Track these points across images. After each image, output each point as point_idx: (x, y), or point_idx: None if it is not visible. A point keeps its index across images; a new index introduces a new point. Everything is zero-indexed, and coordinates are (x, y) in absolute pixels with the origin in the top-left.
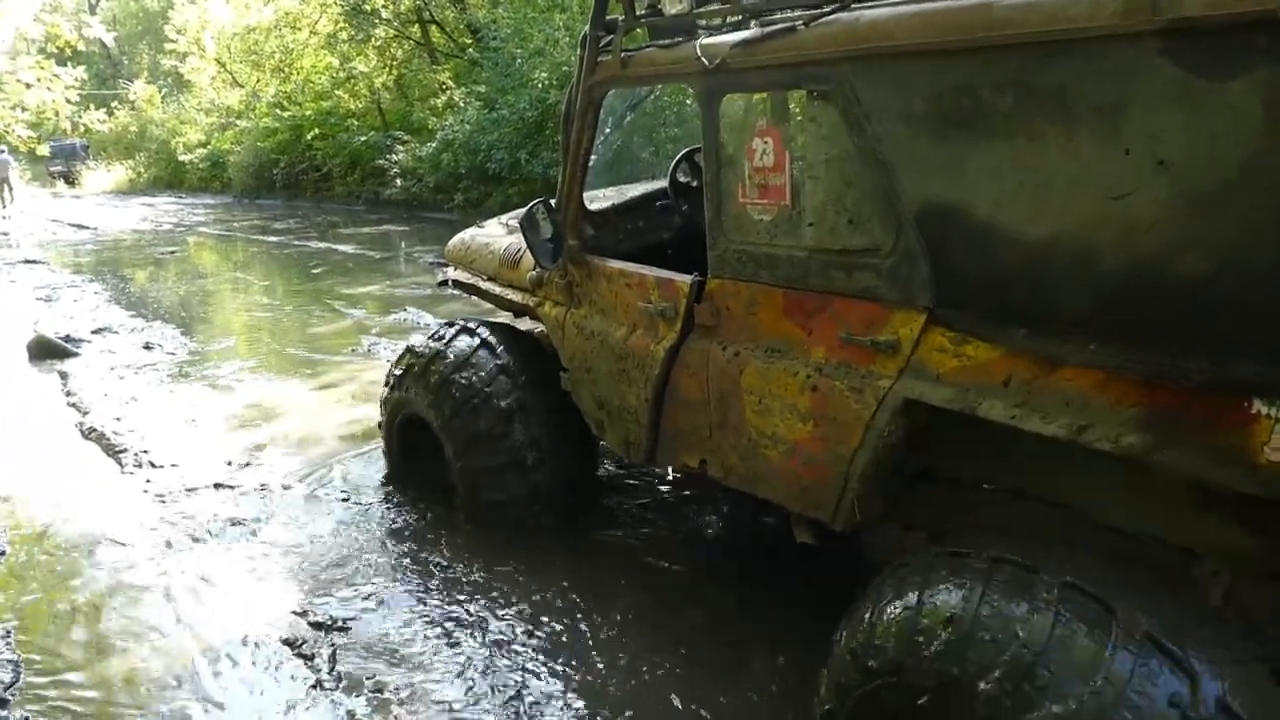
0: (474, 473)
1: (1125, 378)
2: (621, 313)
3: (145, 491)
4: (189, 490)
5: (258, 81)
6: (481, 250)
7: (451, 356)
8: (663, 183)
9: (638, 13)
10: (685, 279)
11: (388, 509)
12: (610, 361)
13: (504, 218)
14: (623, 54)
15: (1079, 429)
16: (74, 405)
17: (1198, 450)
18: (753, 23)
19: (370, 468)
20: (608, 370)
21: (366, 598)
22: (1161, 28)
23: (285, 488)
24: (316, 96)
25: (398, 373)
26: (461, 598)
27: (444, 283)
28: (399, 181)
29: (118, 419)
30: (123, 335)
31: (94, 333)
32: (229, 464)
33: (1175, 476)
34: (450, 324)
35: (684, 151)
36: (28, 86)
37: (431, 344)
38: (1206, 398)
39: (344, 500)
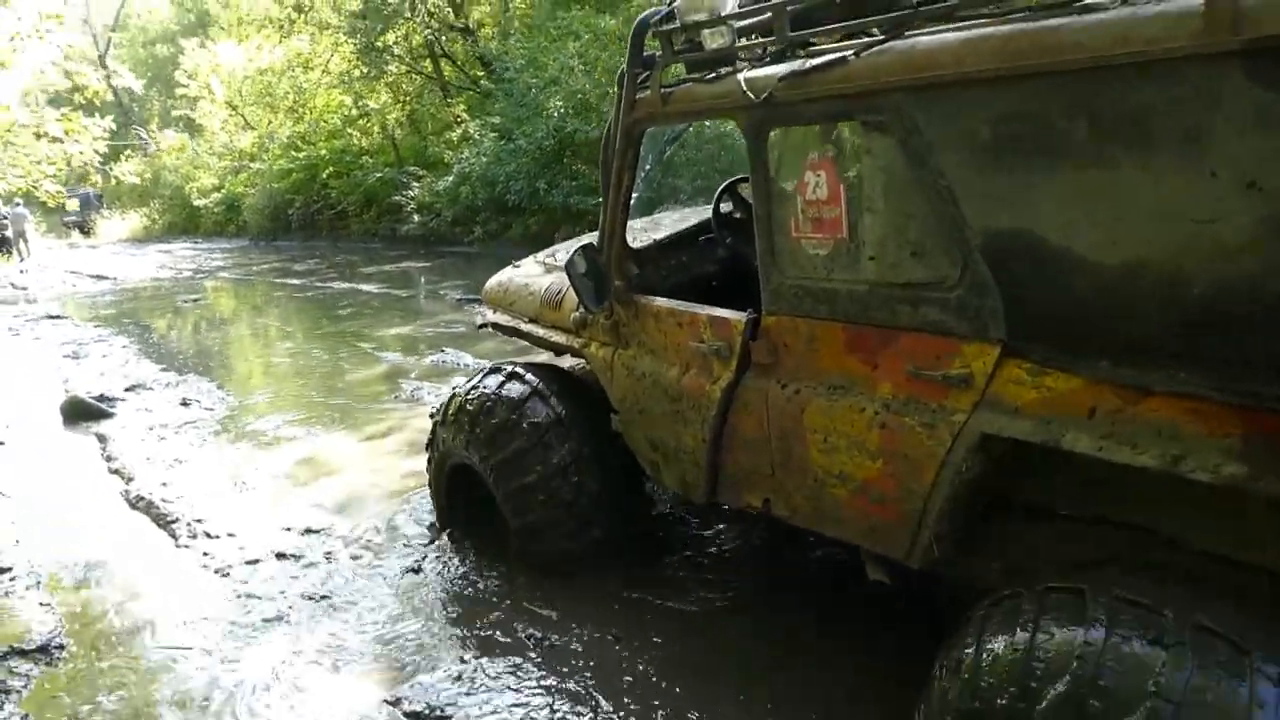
0: (529, 525)
1: (1219, 405)
2: (673, 352)
3: (205, 566)
4: (250, 563)
5: (268, 124)
6: (521, 292)
7: (501, 406)
8: (702, 213)
9: (675, 48)
10: (739, 316)
11: (456, 570)
12: (663, 402)
13: (540, 256)
14: (662, 90)
15: (1174, 459)
16: (117, 471)
17: None
18: (797, 53)
19: (432, 525)
20: (661, 411)
21: (457, 679)
22: (1242, 47)
23: (353, 557)
24: (329, 135)
25: (444, 422)
26: (561, 669)
27: (483, 326)
28: (416, 217)
29: (164, 484)
30: (157, 391)
31: (128, 390)
32: (288, 530)
33: (1277, 504)
34: (496, 369)
35: (726, 183)
36: (55, 140)
37: (478, 391)
38: None
39: (413, 566)
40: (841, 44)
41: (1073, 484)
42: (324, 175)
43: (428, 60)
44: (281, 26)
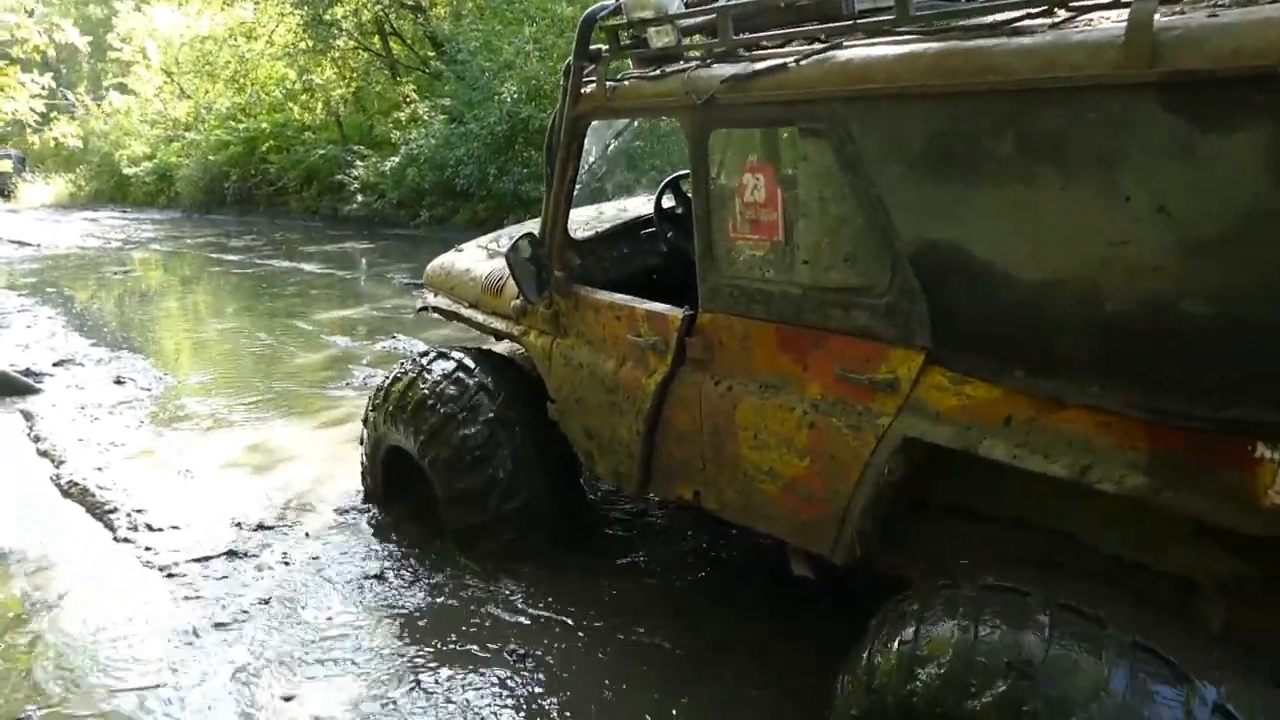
0: (454, 494)
1: (1128, 419)
2: (610, 345)
3: (149, 564)
4: (200, 560)
5: (206, 93)
6: (462, 276)
7: (425, 382)
8: (643, 207)
9: (621, 44)
10: (676, 312)
11: (418, 572)
12: (600, 393)
13: (483, 240)
14: (608, 85)
15: (1082, 469)
16: (46, 454)
17: (1201, 492)
18: (741, 57)
19: (392, 524)
20: (597, 402)
21: (427, 694)
22: (1159, 79)
23: (312, 557)
24: (271, 109)
25: (376, 407)
26: (536, 681)
27: (423, 309)
28: (359, 197)
29: (99, 469)
30: (88, 368)
31: (56, 365)
32: (239, 525)
33: (1179, 517)
34: (424, 352)
35: (669, 178)
36: None
37: (405, 371)
38: (1209, 440)
39: (375, 572)
40: (784, 50)
41: (989, 487)
42: (263, 149)
43: (376, 37)
44: None
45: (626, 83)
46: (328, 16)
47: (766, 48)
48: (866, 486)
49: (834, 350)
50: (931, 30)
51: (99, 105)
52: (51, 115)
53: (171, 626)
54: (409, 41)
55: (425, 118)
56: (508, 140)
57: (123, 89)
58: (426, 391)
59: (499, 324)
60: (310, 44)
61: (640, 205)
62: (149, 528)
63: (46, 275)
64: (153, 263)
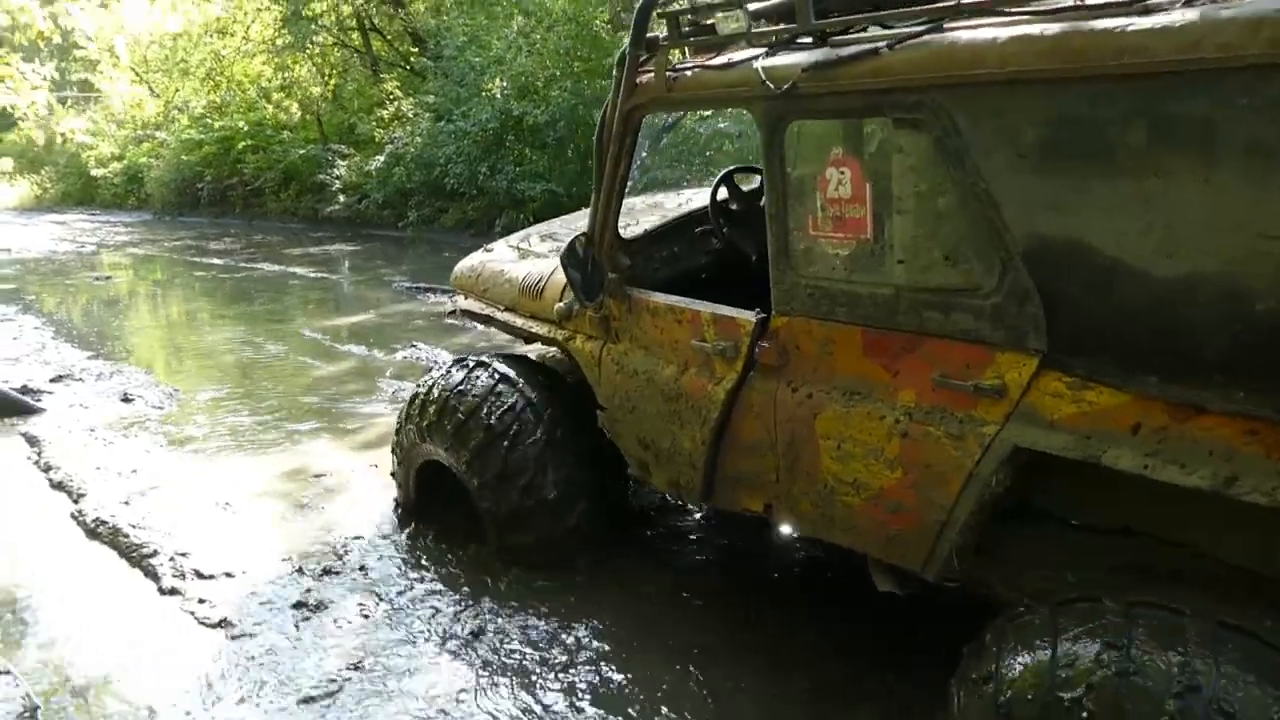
0: (504, 515)
1: (1278, 426)
2: (670, 350)
3: (203, 621)
4: (266, 615)
5: (175, 92)
6: (496, 278)
7: (469, 396)
8: (693, 201)
9: (683, 30)
10: (747, 316)
11: (523, 624)
12: (658, 401)
13: (512, 239)
14: (667, 75)
15: (1226, 480)
16: (62, 486)
17: None
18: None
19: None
20: (655, 410)
21: None
22: None
23: (394, 610)
24: (247, 107)
25: (409, 417)
26: None
27: (454, 313)
28: (341, 197)
29: (126, 503)
30: (89, 383)
31: (54, 381)
32: (299, 570)
33: None
34: (461, 361)
35: (724, 172)
36: None
37: (444, 383)
38: None
39: (474, 629)
40: (871, 35)
41: (1093, 496)
42: (239, 149)
43: (356, 33)
44: None
45: (690, 72)
46: (307, 12)
47: (852, 31)
48: (968, 498)
49: (931, 354)
50: (1046, 10)
51: (64, 105)
52: (19, 111)
53: (253, 703)
54: (389, 38)
55: (410, 115)
56: (498, 138)
57: (88, 87)
58: (469, 405)
59: (540, 329)
60: (289, 40)
61: (674, 200)
62: (198, 575)
63: (24, 282)
64: (133, 267)
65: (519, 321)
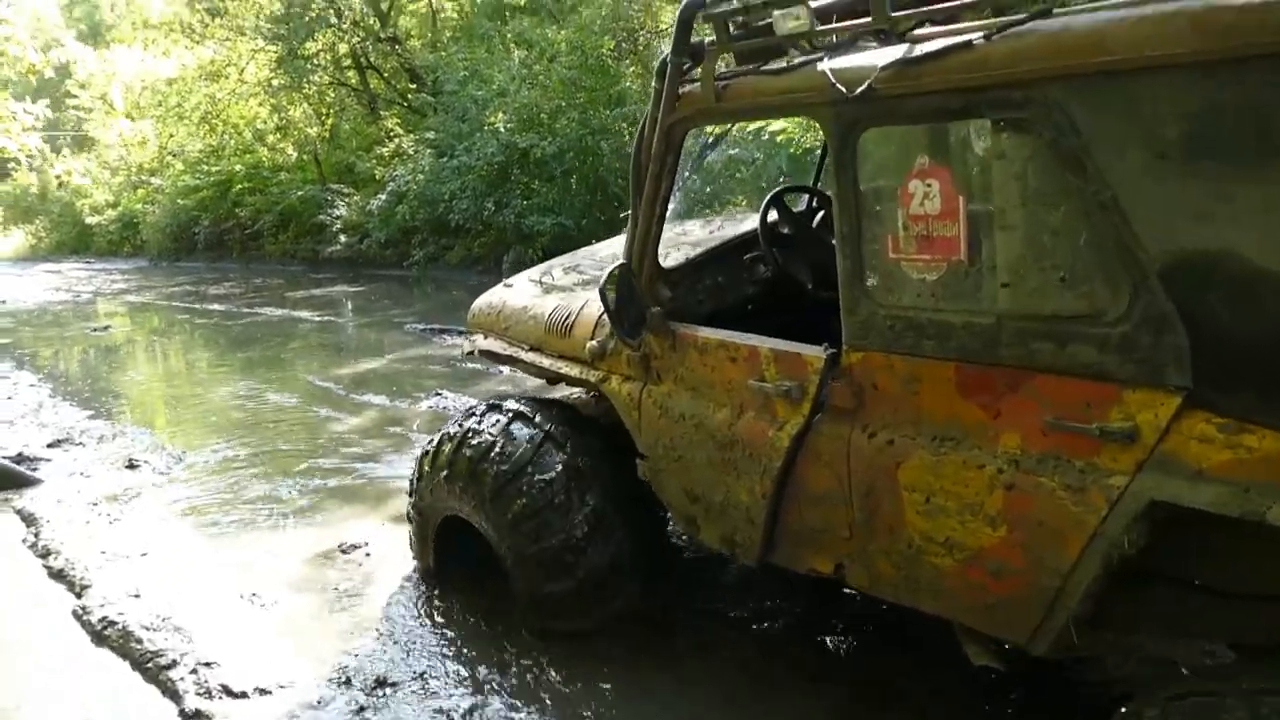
0: (544, 596)
1: None
2: (723, 391)
3: None
4: None
5: (170, 136)
6: (519, 315)
7: (507, 453)
8: (733, 228)
9: (732, 33)
10: (815, 352)
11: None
12: (709, 449)
13: (532, 274)
14: (716, 83)
15: None
16: (62, 575)
17: None
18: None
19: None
20: (706, 459)
21: None
22: None
23: None
24: (243, 150)
25: (432, 468)
26: None
27: (471, 353)
28: (342, 238)
29: (136, 597)
30: (90, 448)
31: (51, 446)
32: (347, 682)
33: None
34: (495, 406)
35: (774, 192)
36: None
37: (477, 433)
38: None
39: None
40: (962, 26)
41: (1233, 556)
42: (236, 191)
43: (352, 72)
44: (193, 31)
45: (743, 79)
46: (303, 51)
47: (936, 24)
48: (1090, 561)
49: (1042, 393)
50: None
51: (55, 151)
52: (10, 165)
53: None
54: (386, 75)
55: (411, 152)
56: (504, 172)
57: (81, 139)
58: (510, 467)
59: (570, 369)
60: (284, 80)
61: (704, 229)
62: (228, 692)
63: (18, 336)
64: (132, 317)
65: (546, 362)
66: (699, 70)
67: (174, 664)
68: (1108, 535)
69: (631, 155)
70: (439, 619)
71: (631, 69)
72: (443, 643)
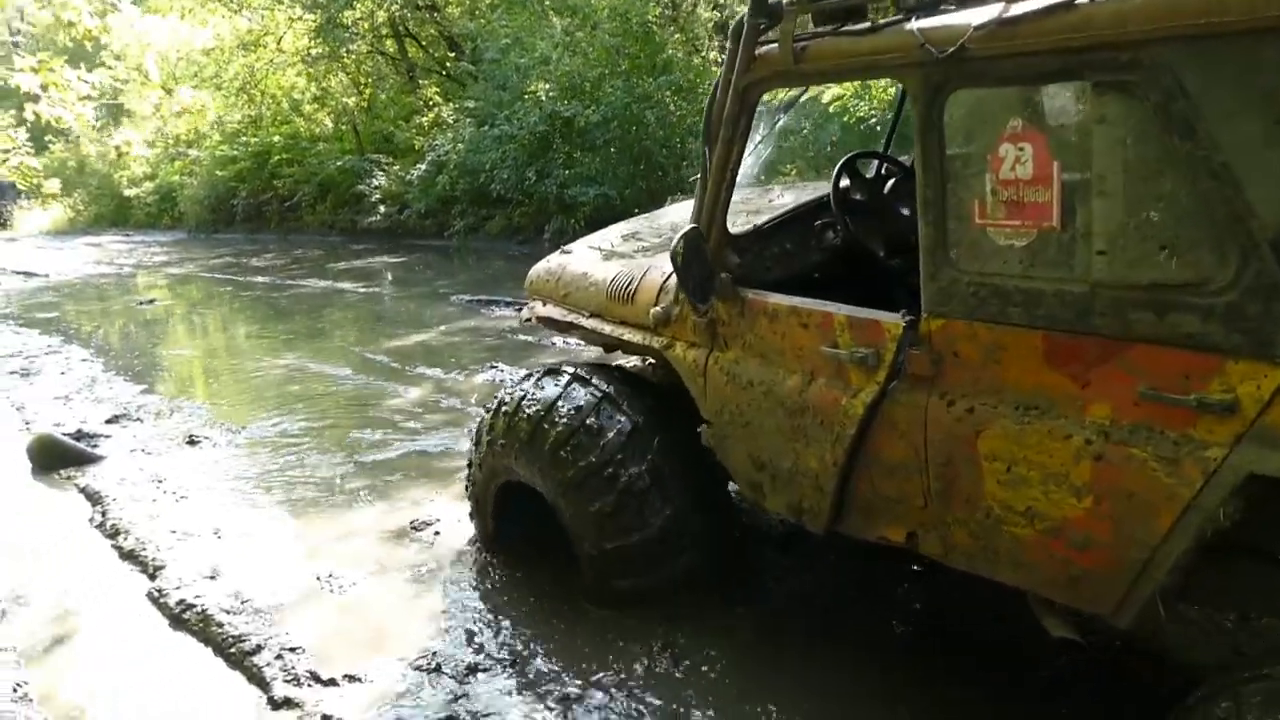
0: (608, 555)
1: None
2: (793, 358)
3: None
4: None
5: (202, 107)
6: (579, 282)
7: (567, 414)
8: (793, 195)
9: None
10: (893, 319)
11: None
12: (778, 416)
13: (591, 240)
14: (795, 44)
15: None
16: (133, 556)
17: None
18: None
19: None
20: (775, 426)
21: None
22: None
23: (571, 716)
24: (280, 121)
25: (491, 431)
26: None
27: (529, 319)
28: (381, 208)
29: (212, 578)
30: (148, 424)
31: (110, 422)
32: (438, 669)
33: None
34: (554, 370)
35: (846, 157)
36: (31, 98)
37: (537, 396)
38: None
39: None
40: None
41: None
42: (274, 163)
43: (390, 40)
44: (230, 0)
45: (825, 40)
46: (342, 20)
47: None
48: (1183, 533)
49: (1136, 363)
50: None
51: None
52: (46, 139)
53: None
54: (424, 43)
55: (451, 121)
56: (545, 141)
57: (116, 110)
58: (567, 427)
59: (632, 336)
60: (323, 49)
61: (764, 197)
62: (316, 679)
63: (65, 310)
64: (177, 290)
65: (607, 328)
66: (776, 31)
67: (258, 649)
68: (1202, 508)
69: (704, 118)
70: (517, 597)
71: (676, 36)
72: (526, 624)
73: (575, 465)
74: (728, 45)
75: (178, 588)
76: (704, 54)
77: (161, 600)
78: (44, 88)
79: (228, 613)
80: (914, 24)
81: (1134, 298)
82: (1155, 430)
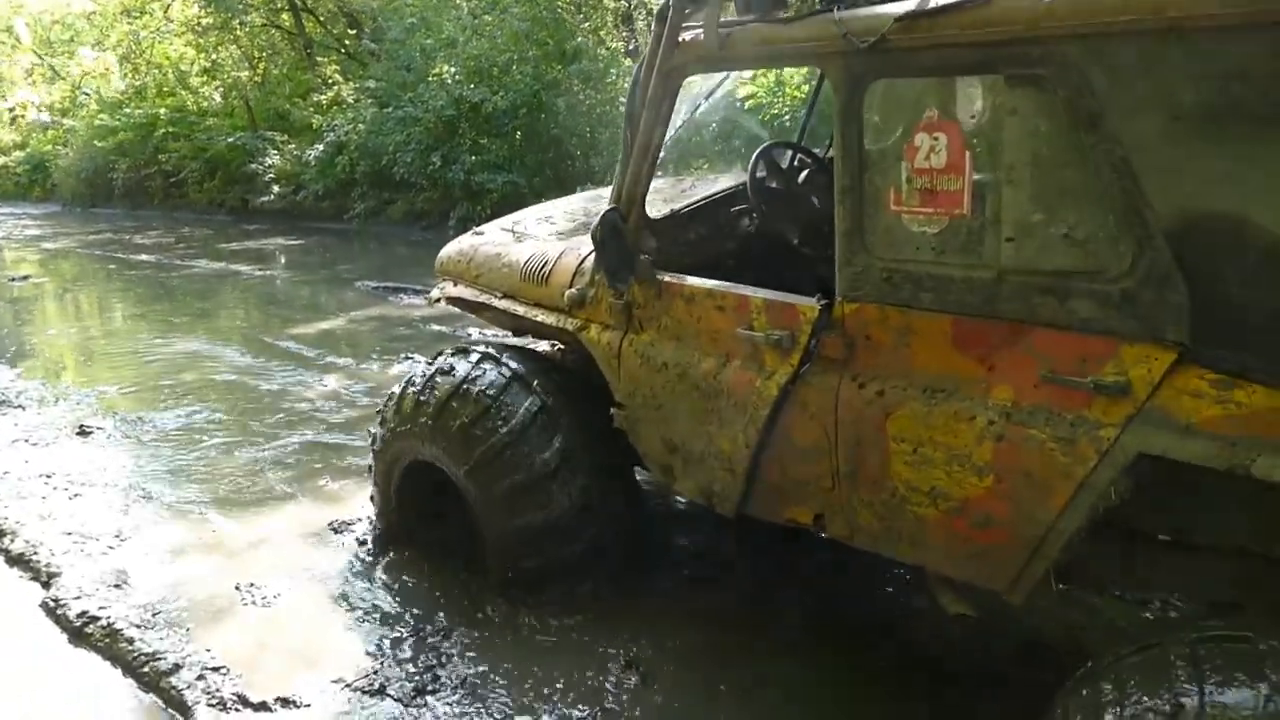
0: (513, 532)
1: None
2: (709, 340)
3: None
4: None
5: (106, 70)
6: (492, 263)
7: (475, 393)
8: (706, 187)
9: None
10: (809, 302)
11: None
12: (692, 398)
13: (504, 222)
14: (719, 31)
15: None
16: (23, 561)
17: None
18: None
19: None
20: (688, 408)
21: None
22: None
23: None
24: (166, 92)
25: (397, 412)
26: None
27: (439, 300)
28: (275, 188)
29: (117, 587)
30: (31, 411)
31: None
32: (382, 690)
33: None
34: (462, 350)
35: (762, 147)
36: None
37: (445, 376)
38: None
39: None
40: None
41: (1212, 510)
42: (159, 136)
43: (286, 14)
44: None
45: (749, 27)
46: None
47: None
48: (1076, 511)
49: (1038, 347)
50: None
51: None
52: None
53: None
54: (322, 19)
55: (351, 101)
56: (452, 125)
57: None
58: (477, 406)
59: (545, 317)
60: (214, 19)
61: (676, 186)
62: (244, 703)
63: None
64: (50, 265)
65: (520, 309)
66: (701, 16)
67: (176, 668)
68: (1094, 485)
69: (627, 101)
70: (458, 606)
71: (586, 24)
72: (471, 637)
73: (485, 443)
74: (653, 27)
75: (77, 598)
76: (608, 45)
77: (59, 612)
78: None
79: (138, 626)
80: (836, 14)
81: (1037, 283)
82: (1054, 411)
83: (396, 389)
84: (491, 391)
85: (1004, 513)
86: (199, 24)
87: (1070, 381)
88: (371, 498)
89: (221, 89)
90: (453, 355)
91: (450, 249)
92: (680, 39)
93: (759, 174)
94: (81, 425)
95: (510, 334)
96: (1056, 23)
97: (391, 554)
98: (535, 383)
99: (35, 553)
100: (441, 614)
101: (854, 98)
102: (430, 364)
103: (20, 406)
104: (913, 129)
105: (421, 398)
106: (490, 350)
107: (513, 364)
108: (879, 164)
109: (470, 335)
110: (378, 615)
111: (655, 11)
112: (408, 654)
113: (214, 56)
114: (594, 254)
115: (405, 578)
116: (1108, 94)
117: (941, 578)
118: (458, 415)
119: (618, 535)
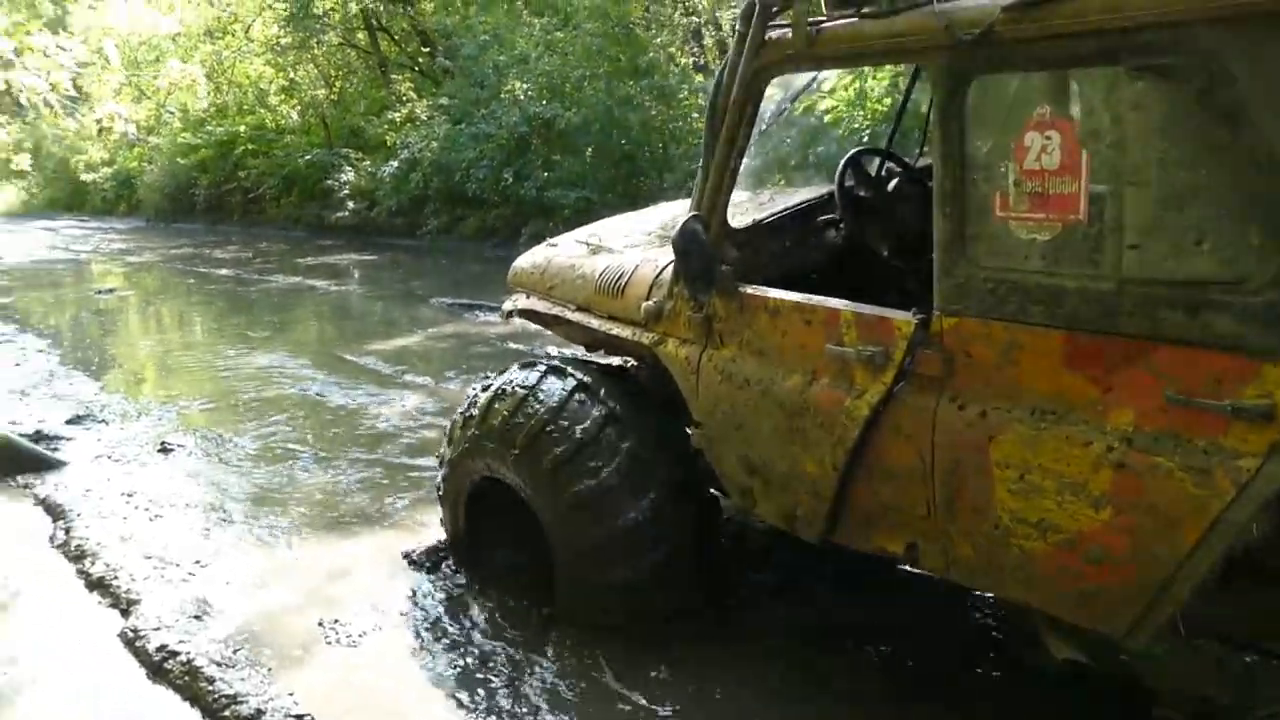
0: (582, 546)
1: None
2: (794, 356)
3: None
4: None
5: (166, 94)
6: (565, 274)
7: (540, 404)
8: (785, 199)
9: None
10: (904, 316)
11: None
12: (775, 417)
13: (579, 234)
14: (808, 28)
15: None
16: (102, 585)
17: None
18: None
19: None
20: (771, 427)
21: None
22: None
23: None
24: (246, 111)
25: (464, 427)
26: None
27: (511, 314)
28: (350, 204)
29: (197, 618)
30: (114, 426)
31: (72, 423)
32: None
33: None
34: (529, 363)
35: (850, 153)
36: (3, 64)
37: (510, 388)
38: None
39: None
40: None
41: None
42: (239, 153)
43: (362, 33)
44: None
45: (841, 23)
46: (312, 9)
47: None
48: (1209, 549)
49: (1164, 366)
50: None
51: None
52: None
53: None
54: (396, 38)
55: (425, 118)
56: (524, 141)
57: (75, 94)
58: (542, 417)
59: (621, 331)
60: (294, 39)
61: (759, 196)
62: None
63: (18, 296)
64: (137, 280)
65: (594, 323)
66: (789, 14)
67: (259, 715)
68: (1230, 522)
69: (709, 104)
70: (546, 651)
71: (659, 39)
72: (567, 692)
73: (551, 453)
74: (737, 27)
75: (157, 629)
76: (678, 60)
77: (139, 644)
78: (18, 53)
79: (218, 665)
80: (936, 6)
81: (1164, 295)
82: (1183, 438)
83: (462, 407)
84: (556, 401)
85: (1123, 549)
86: (278, 44)
87: (1203, 404)
88: (442, 521)
89: (299, 107)
90: (519, 369)
91: (523, 260)
92: (767, 37)
93: (847, 182)
94: (163, 442)
95: (584, 349)
96: (1190, 6)
97: (478, 587)
98: (602, 392)
99: (116, 577)
100: (536, 662)
101: (956, 96)
102: (498, 377)
103: (104, 421)
104: (1022, 128)
105: (488, 412)
106: (556, 363)
107: (579, 374)
108: (984, 167)
109: (548, 352)
110: (468, 659)
111: (740, 11)
112: (508, 697)
113: (292, 75)
114: (672, 265)
115: (496, 620)
116: (1253, 85)
117: (1048, 619)
118: (524, 427)
119: (689, 552)
